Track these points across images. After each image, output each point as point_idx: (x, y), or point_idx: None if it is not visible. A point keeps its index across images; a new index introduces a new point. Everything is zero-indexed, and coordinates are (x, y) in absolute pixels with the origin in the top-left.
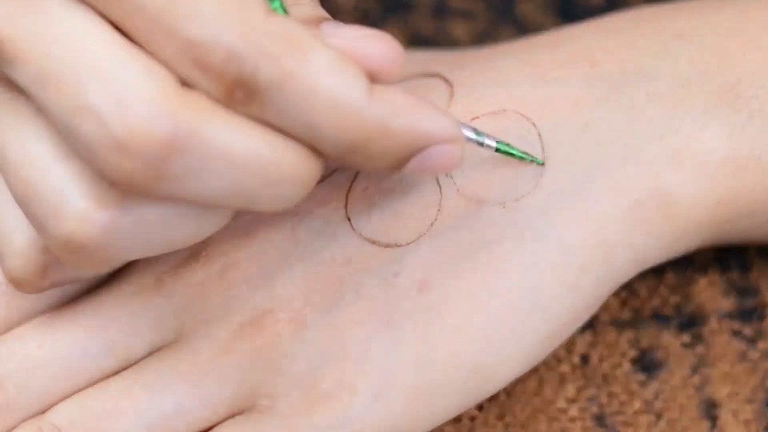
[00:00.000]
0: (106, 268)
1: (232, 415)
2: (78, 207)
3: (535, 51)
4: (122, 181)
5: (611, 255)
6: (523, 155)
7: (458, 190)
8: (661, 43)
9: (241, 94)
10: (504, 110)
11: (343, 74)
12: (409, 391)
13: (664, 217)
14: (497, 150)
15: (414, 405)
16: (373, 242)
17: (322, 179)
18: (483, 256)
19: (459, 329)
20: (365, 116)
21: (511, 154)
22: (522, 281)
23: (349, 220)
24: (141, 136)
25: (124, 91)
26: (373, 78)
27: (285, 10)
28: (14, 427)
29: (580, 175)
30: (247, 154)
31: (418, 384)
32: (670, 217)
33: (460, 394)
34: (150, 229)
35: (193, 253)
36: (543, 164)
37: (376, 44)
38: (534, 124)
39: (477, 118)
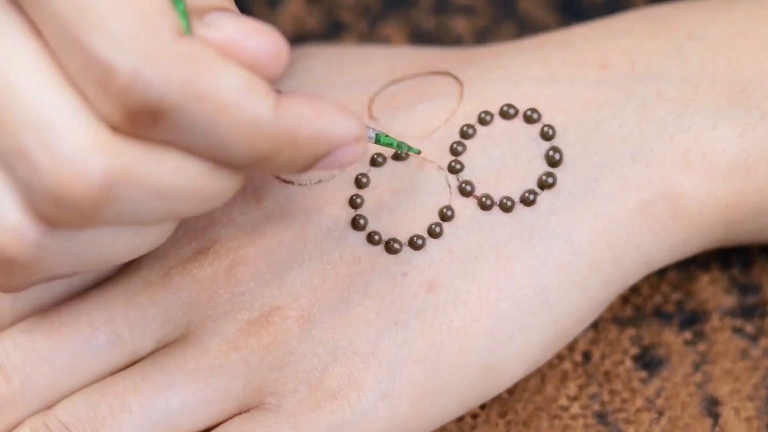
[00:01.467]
0: (35, 283)
1: (239, 413)
2: (10, 220)
3: (545, 50)
4: (57, 222)
5: (620, 256)
6: (401, 145)
7: (467, 191)
8: (672, 44)
9: (147, 118)
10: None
11: (251, 94)
12: (416, 390)
13: (673, 218)
14: (377, 141)
15: (420, 404)
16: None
17: (325, 184)
18: (492, 256)
19: (466, 329)
20: (273, 131)
21: (390, 145)
22: (531, 281)
23: (356, 217)
24: (71, 187)
25: (53, 137)
26: (256, 71)
27: (187, 24)
28: (20, 422)
29: (589, 176)
30: (176, 185)
31: (425, 383)
32: (679, 218)
33: (467, 394)
34: (83, 248)
35: (202, 249)
36: (419, 152)
37: (259, 38)
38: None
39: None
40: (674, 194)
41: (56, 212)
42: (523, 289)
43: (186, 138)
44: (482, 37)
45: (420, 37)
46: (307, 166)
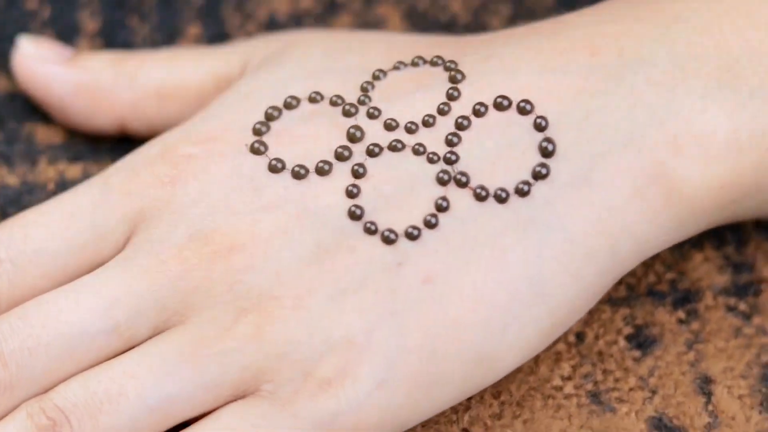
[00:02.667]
0: None
1: (235, 399)
2: None
3: (537, 38)
4: None
5: (615, 244)
6: None
7: (463, 182)
8: (660, 27)
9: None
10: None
11: None
12: (412, 380)
13: (667, 203)
14: None
15: (416, 393)
16: None
17: (322, 173)
18: (487, 247)
19: (462, 319)
20: None
21: None
22: (526, 272)
23: (352, 207)
24: None
25: None
26: None
27: None
28: (16, 406)
29: (583, 165)
30: None
31: (421, 373)
32: (673, 202)
33: (462, 383)
34: None
35: (199, 237)
36: None
37: None
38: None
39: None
40: (667, 179)
41: None
42: (518, 279)
43: None
44: (477, 16)
45: (415, 16)
46: None
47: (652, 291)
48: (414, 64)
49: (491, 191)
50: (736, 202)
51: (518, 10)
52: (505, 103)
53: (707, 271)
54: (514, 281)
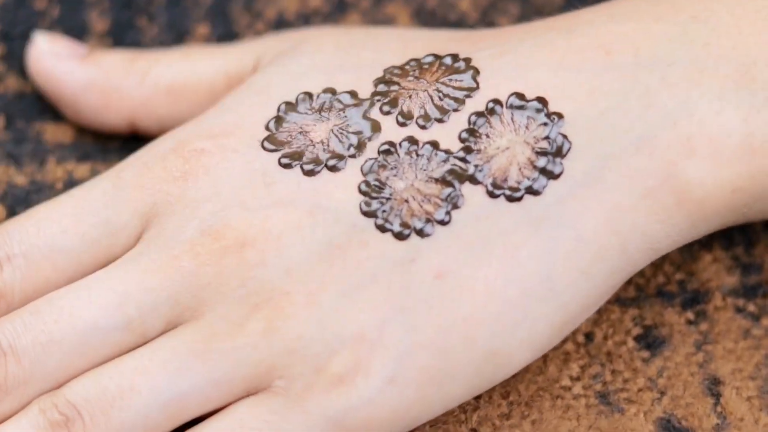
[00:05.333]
0: None
1: (247, 395)
2: None
3: (552, 35)
4: None
5: (625, 243)
6: None
7: (476, 179)
8: (676, 27)
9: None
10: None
11: None
12: (423, 376)
13: (678, 204)
14: None
15: (427, 389)
16: None
17: (334, 169)
18: (499, 244)
19: (473, 316)
20: None
21: None
22: (537, 269)
23: (364, 202)
24: None
25: None
26: None
27: None
28: (29, 402)
29: (595, 164)
30: None
31: (432, 369)
32: (684, 204)
33: (473, 379)
34: None
35: (211, 233)
36: None
37: None
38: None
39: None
40: (679, 180)
41: None
42: (529, 276)
43: None
44: (486, 14)
45: (424, 14)
46: None
47: (661, 292)
48: (427, 60)
49: (504, 188)
50: (746, 205)
51: (526, 9)
52: (520, 100)
53: (716, 272)
54: (525, 278)
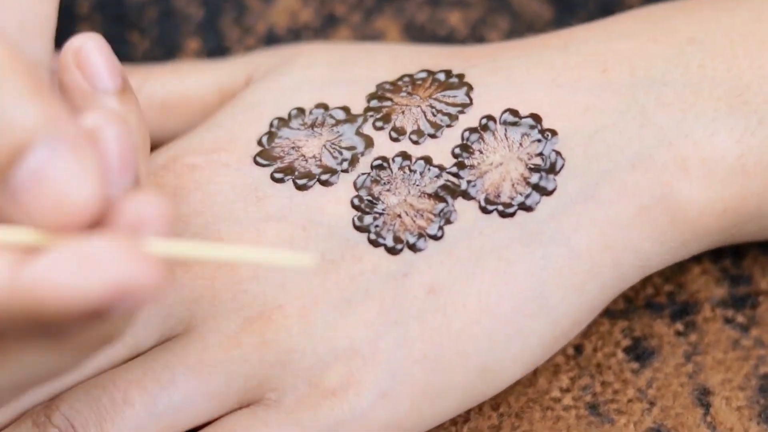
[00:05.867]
0: None
1: (240, 408)
2: None
3: (547, 52)
4: None
5: (618, 260)
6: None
7: (469, 194)
8: (673, 48)
9: None
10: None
11: None
12: (415, 390)
13: (671, 223)
14: None
15: (419, 403)
16: None
17: (327, 184)
18: (492, 260)
19: (466, 331)
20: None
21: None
22: (530, 285)
23: (357, 217)
24: None
25: None
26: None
27: None
28: (21, 413)
29: (589, 181)
30: None
31: (424, 383)
32: (677, 223)
33: (465, 394)
34: None
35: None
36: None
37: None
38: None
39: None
40: (673, 200)
41: None
42: (522, 292)
43: None
44: (476, 29)
45: (414, 30)
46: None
47: (651, 303)
48: (420, 76)
49: (497, 204)
50: (737, 226)
51: (516, 25)
52: (513, 116)
53: (705, 284)
54: (518, 294)
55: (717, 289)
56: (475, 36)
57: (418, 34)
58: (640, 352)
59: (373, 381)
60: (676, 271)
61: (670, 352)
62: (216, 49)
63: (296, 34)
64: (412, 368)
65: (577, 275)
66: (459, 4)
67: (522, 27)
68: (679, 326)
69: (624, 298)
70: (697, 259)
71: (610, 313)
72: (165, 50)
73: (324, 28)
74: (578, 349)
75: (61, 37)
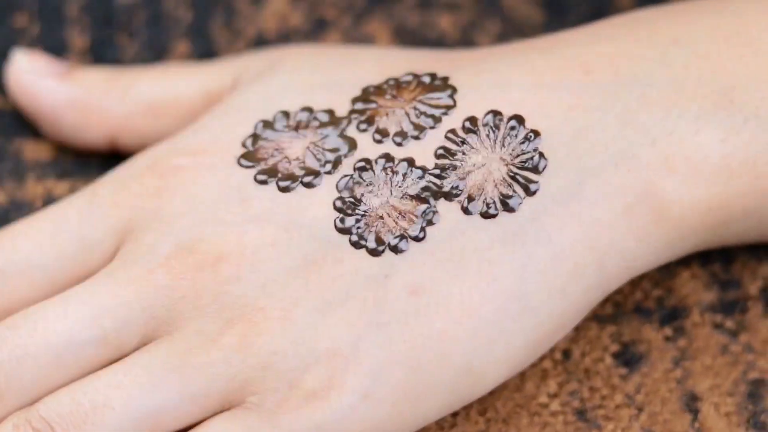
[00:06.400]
0: None
1: (221, 410)
2: None
3: (531, 54)
4: None
5: (602, 260)
6: None
7: (451, 195)
8: (657, 50)
9: None
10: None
11: None
12: (397, 392)
13: (656, 223)
14: None
15: (401, 405)
16: None
17: (310, 186)
18: (474, 261)
19: (448, 332)
20: None
21: None
22: (512, 286)
23: (339, 219)
24: None
25: None
26: None
27: None
28: (5, 417)
29: (573, 181)
30: None
31: (406, 385)
32: (662, 222)
33: (448, 396)
34: None
35: (186, 247)
36: None
37: None
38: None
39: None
40: (657, 199)
41: None
42: (504, 293)
43: None
44: (466, 33)
45: (404, 33)
46: None
47: (639, 308)
48: (406, 79)
49: (480, 205)
50: (723, 226)
51: (506, 28)
52: (496, 117)
53: (694, 288)
54: (500, 294)
55: (706, 294)
56: (466, 40)
57: (408, 37)
58: (628, 358)
59: (355, 383)
60: (665, 276)
61: (659, 357)
62: (205, 52)
63: (286, 37)
64: (394, 370)
65: (560, 276)
66: (449, 8)
67: (513, 31)
68: (668, 331)
69: (612, 302)
70: (686, 263)
71: (598, 317)
72: (154, 53)
73: (314, 31)
74: (566, 354)
75: (50, 40)
